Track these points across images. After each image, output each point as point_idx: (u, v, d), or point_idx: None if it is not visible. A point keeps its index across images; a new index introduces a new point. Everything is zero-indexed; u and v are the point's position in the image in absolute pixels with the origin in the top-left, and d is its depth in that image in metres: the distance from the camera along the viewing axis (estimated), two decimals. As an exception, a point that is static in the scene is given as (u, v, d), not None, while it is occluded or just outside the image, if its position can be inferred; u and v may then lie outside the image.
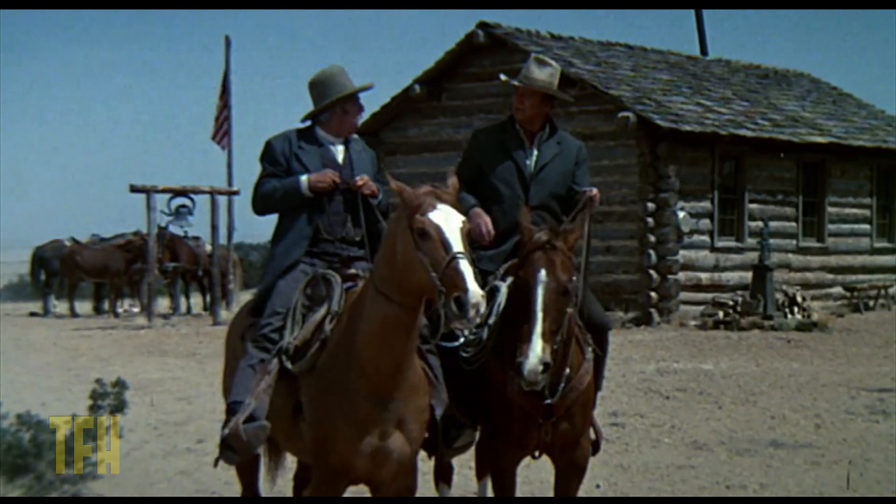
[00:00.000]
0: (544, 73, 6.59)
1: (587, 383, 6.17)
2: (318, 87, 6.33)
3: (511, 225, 6.36)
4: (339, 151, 6.35)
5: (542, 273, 5.71)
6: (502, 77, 6.93)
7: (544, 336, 5.60)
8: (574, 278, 5.81)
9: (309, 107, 6.39)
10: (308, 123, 6.42)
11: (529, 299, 5.68)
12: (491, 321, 6.08)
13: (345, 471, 5.61)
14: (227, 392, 6.38)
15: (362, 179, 6.24)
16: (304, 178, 6.20)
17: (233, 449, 5.89)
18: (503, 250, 6.44)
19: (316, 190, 6.19)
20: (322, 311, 5.87)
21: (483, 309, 5.25)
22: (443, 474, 7.15)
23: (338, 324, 5.77)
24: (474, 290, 5.16)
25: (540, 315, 5.62)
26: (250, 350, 6.00)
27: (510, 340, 5.81)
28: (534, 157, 6.61)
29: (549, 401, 5.96)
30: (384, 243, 5.61)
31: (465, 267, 5.22)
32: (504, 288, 6.16)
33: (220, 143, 23.95)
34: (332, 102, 6.27)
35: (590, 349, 6.22)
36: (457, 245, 5.28)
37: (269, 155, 6.34)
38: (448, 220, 5.36)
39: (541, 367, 5.55)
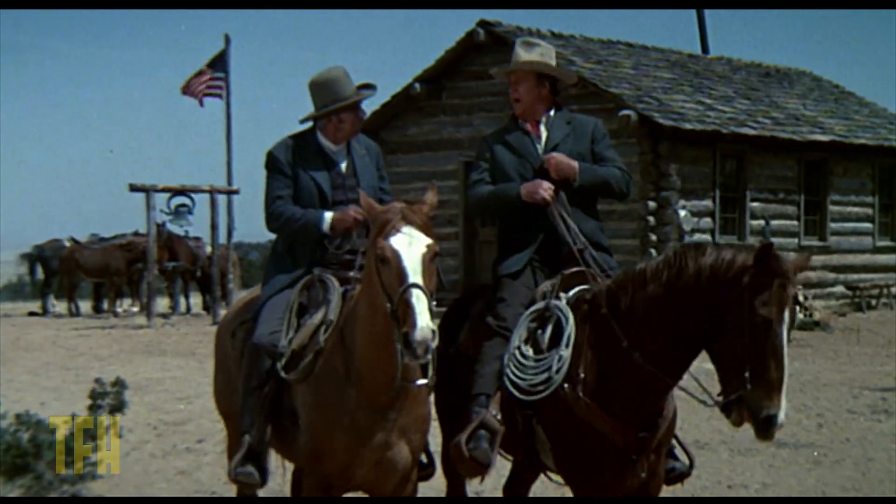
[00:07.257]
0: (534, 54, 6.10)
1: (673, 410, 5.70)
2: (316, 89, 6.10)
3: (540, 225, 5.91)
4: (343, 157, 6.12)
5: (787, 313, 4.97)
6: (493, 71, 6.47)
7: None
8: None
9: (308, 106, 6.21)
10: (309, 125, 6.21)
11: (776, 343, 5.00)
12: (563, 353, 5.42)
13: (343, 479, 5.45)
14: (218, 400, 6.41)
15: None
16: (327, 216, 5.92)
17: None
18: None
19: (338, 230, 5.92)
20: (319, 316, 5.64)
21: (434, 345, 4.87)
22: None
23: (332, 332, 5.55)
24: (422, 325, 4.80)
25: (787, 360, 4.99)
26: (251, 376, 5.76)
27: (599, 369, 5.35)
28: (542, 141, 6.10)
29: (643, 433, 5.43)
30: (367, 258, 5.38)
31: (417, 300, 4.85)
32: (569, 311, 5.52)
33: (194, 96, 23.97)
34: (325, 113, 6.05)
35: None
36: (414, 275, 4.93)
37: (274, 165, 6.07)
38: (410, 246, 5.01)
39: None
